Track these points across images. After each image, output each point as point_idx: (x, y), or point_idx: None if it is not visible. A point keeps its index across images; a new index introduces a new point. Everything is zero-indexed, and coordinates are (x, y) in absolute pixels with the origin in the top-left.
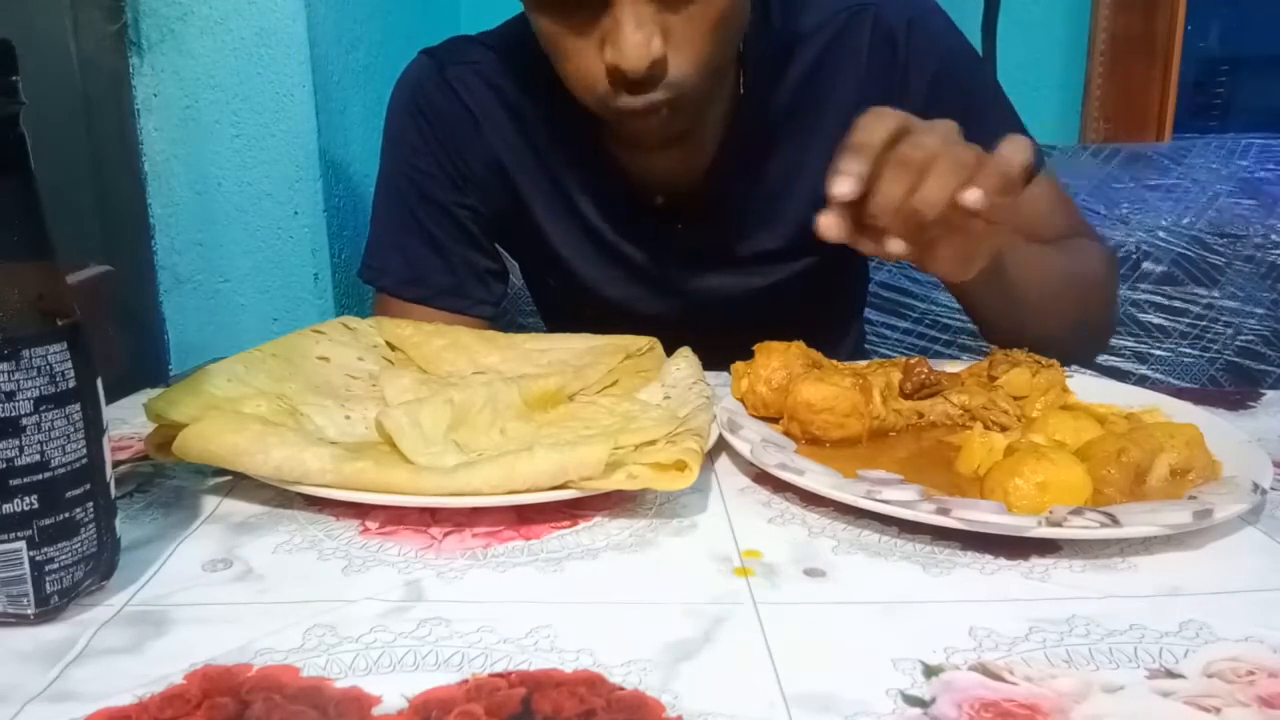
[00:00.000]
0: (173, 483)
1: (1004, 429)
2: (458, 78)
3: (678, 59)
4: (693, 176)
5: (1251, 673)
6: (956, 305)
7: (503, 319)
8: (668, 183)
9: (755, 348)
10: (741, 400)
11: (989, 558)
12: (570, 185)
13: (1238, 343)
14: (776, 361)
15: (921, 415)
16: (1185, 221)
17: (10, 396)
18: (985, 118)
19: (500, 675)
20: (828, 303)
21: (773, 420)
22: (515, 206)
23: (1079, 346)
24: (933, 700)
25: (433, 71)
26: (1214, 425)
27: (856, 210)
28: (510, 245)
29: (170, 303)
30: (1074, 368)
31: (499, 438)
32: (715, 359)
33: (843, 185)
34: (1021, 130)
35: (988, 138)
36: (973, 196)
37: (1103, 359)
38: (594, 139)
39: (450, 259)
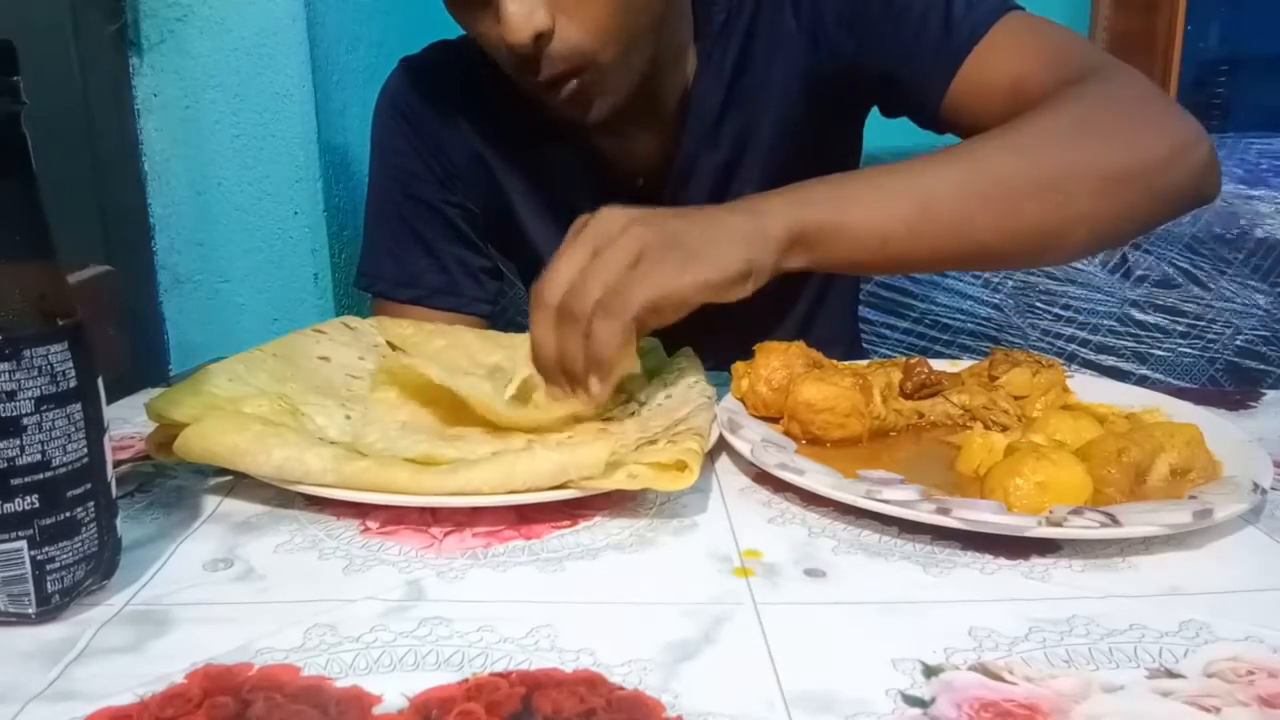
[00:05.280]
0: (174, 482)
1: (1004, 429)
2: (436, 79)
3: (571, 29)
4: (668, 153)
5: (1251, 673)
6: (956, 305)
7: (502, 319)
8: (645, 163)
9: (755, 348)
10: (742, 400)
11: (989, 558)
12: (550, 177)
13: (1238, 343)
14: (777, 361)
15: (922, 415)
16: (1185, 221)
17: (11, 396)
18: (910, 4)
19: (500, 675)
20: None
21: (773, 420)
22: (501, 203)
23: (1130, 199)
24: (932, 700)
25: (411, 76)
26: (1214, 425)
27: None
28: (499, 245)
29: (170, 303)
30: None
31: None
32: (715, 359)
33: (596, 390)
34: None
35: (921, 25)
36: (593, 387)
37: (1103, 359)
38: (573, 132)
39: (442, 258)
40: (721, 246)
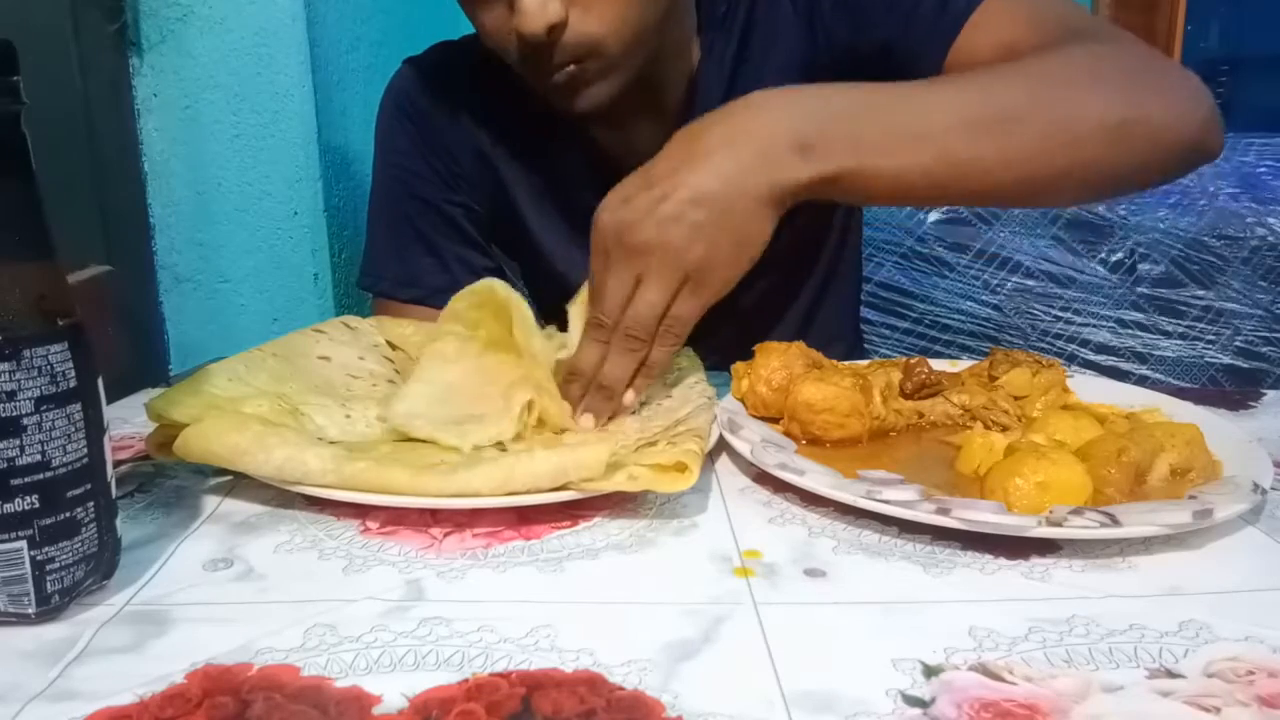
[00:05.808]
0: (173, 482)
1: (1004, 429)
2: (440, 79)
3: (585, 20)
4: None
5: (1251, 673)
6: (956, 305)
7: None
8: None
9: (755, 348)
10: (742, 400)
11: (989, 558)
12: (554, 175)
13: (1237, 343)
14: (777, 361)
15: (922, 415)
16: (1185, 222)
17: (11, 396)
18: None
19: (500, 675)
20: (820, 290)
21: (773, 420)
22: (505, 202)
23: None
24: (933, 700)
25: (415, 75)
26: (1214, 425)
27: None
28: (503, 244)
29: (170, 303)
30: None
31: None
32: (715, 359)
33: (585, 424)
34: None
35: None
36: (629, 398)
37: (1103, 359)
38: (577, 130)
39: (445, 258)
40: (748, 241)
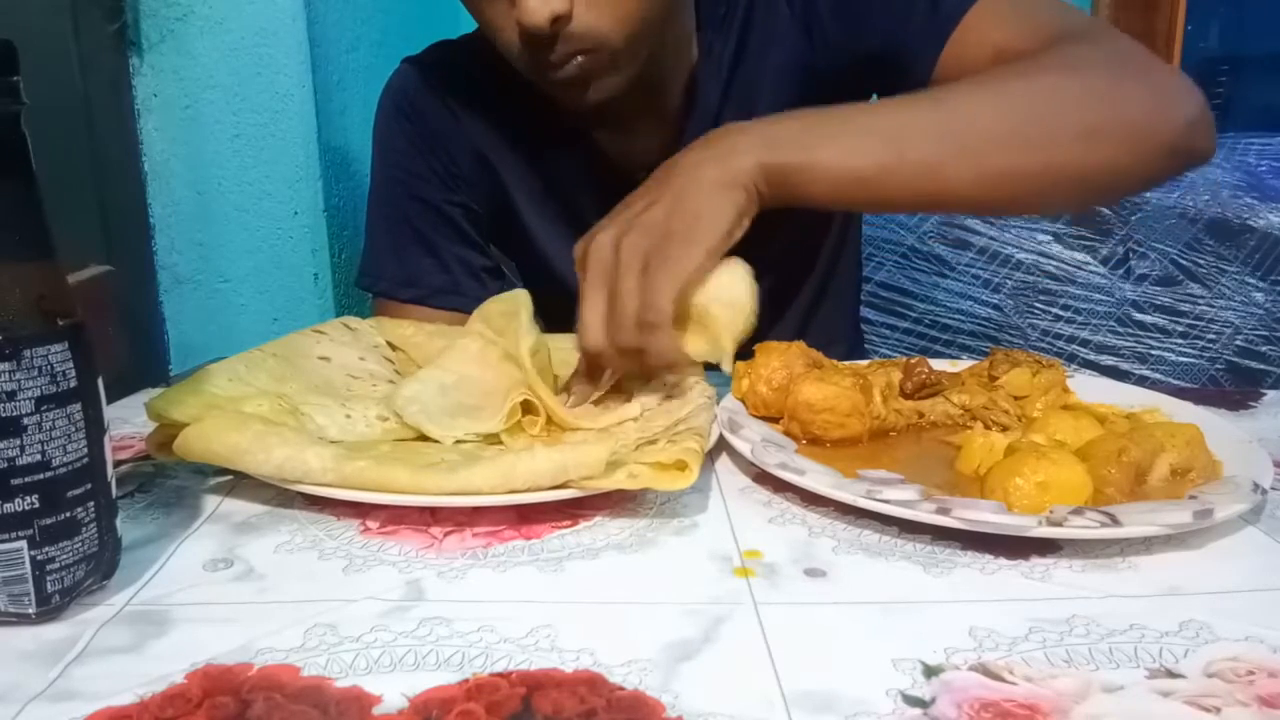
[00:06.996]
0: (174, 482)
1: (1004, 429)
2: (438, 78)
3: (589, 14)
4: (670, 147)
5: (1251, 673)
6: (956, 305)
7: None
8: (647, 159)
9: (755, 348)
10: (742, 400)
11: (989, 558)
12: (553, 175)
13: (1237, 343)
14: (777, 361)
15: (922, 415)
16: (1185, 221)
17: (11, 396)
18: None
19: (501, 675)
20: (819, 291)
21: (773, 420)
22: (504, 203)
23: (1107, 161)
24: (933, 700)
25: (414, 75)
26: (1214, 425)
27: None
28: (502, 244)
29: (170, 303)
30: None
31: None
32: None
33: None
34: None
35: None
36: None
37: (1103, 359)
38: (576, 130)
39: (444, 258)
40: (705, 215)
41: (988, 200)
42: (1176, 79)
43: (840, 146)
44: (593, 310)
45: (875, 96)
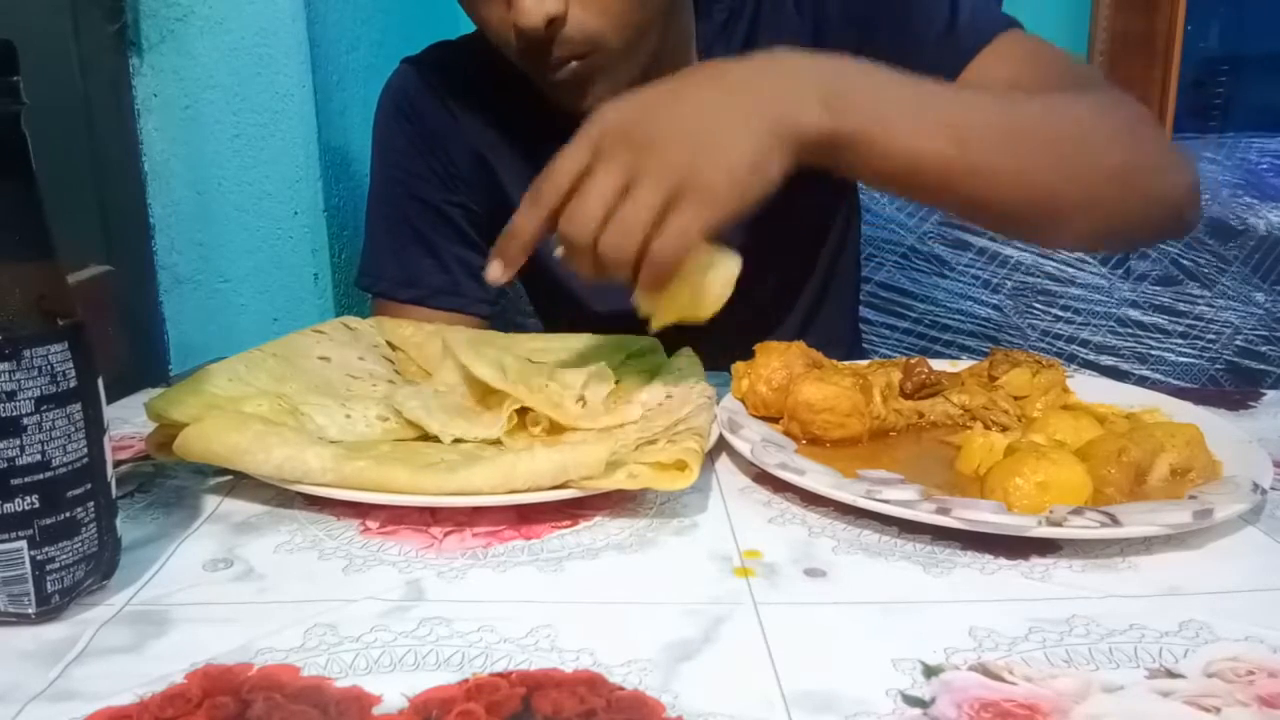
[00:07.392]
0: (173, 482)
1: (1004, 429)
2: (438, 78)
3: (583, 14)
4: None
5: (1251, 673)
6: (956, 305)
7: (502, 319)
8: None
9: (755, 348)
10: (742, 400)
11: (989, 558)
12: None
13: (1237, 343)
14: (776, 361)
15: (922, 415)
16: None
17: (11, 396)
18: (914, 4)
19: (500, 675)
20: (820, 292)
21: (773, 420)
22: (502, 203)
23: (1109, 215)
24: (933, 700)
25: (413, 75)
26: (1214, 425)
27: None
28: None
29: (170, 303)
30: (1074, 367)
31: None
32: (715, 359)
33: (494, 272)
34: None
35: (926, 27)
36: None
37: (1103, 359)
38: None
39: (443, 258)
40: (766, 160)
41: (1019, 216)
42: (1179, 146)
43: (911, 126)
44: (608, 180)
45: None
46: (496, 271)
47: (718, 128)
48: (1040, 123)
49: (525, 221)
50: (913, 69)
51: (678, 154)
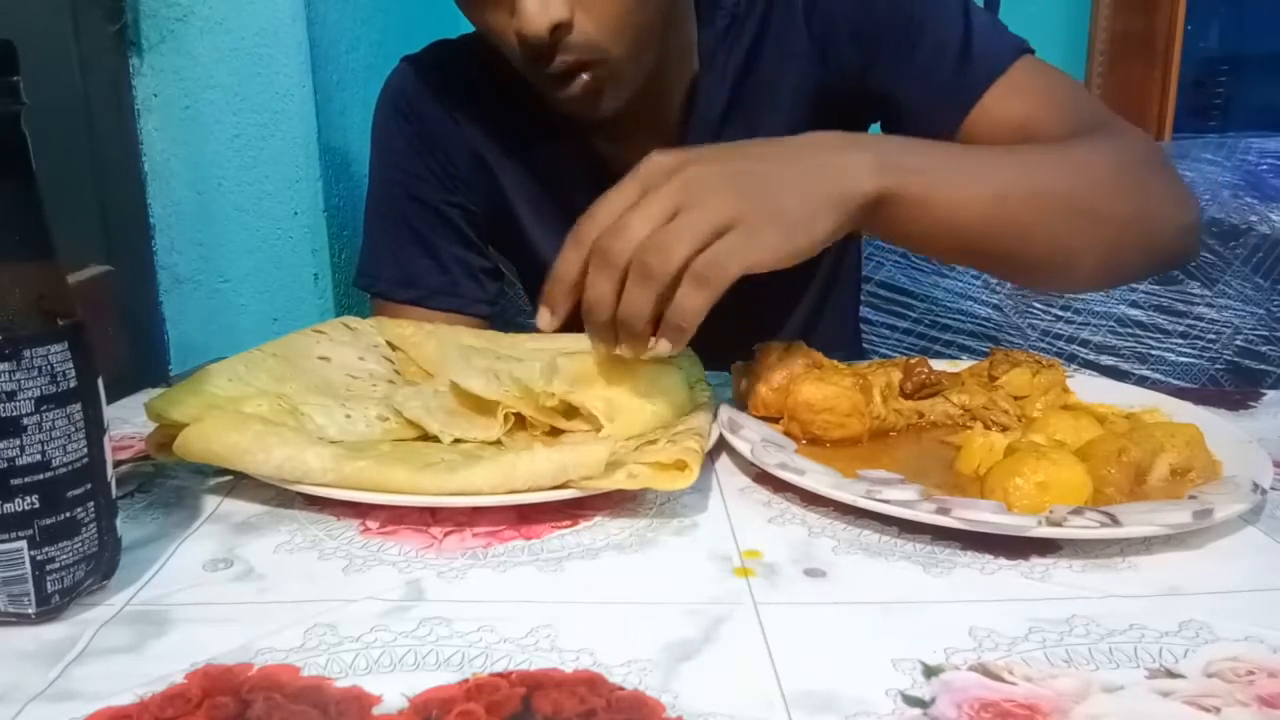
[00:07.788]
0: (173, 482)
1: (1004, 429)
2: (437, 79)
3: (587, 21)
4: None
5: (1251, 673)
6: (956, 305)
7: (501, 319)
8: None
9: (755, 348)
10: (742, 400)
11: (989, 558)
12: (550, 178)
13: (1238, 343)
14: (776, 361)
15: (922, 415)
16: None
17: (11, 396)
18: (925, 31)
19: (500, 675)
20: (822, 294)
21: (773, 420)
22: (501, 204)
23: (1113, 257)
24: (933, 700)
25: (412, 75)
26: (1214, 425)
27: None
28: (499, 245)
29: (170, 303)
30: (1074, 367)
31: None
32: (715, 359)
33: (543, 320)
34: (964, 20)
35: (937, 56)
36: (662, 348)
37: (1103, 359)
38: (574, 133)
39: (442, 258)
40: (816, 216)
41: (1038, 269)
42: (1185, 185)
43: (956, 190)
44: (644, 219)
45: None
46: (545, 319)
47: (771, 181)
48: (1062, 179)
49: (568, 265)
50: (919, 97)
51: (729, 197)
